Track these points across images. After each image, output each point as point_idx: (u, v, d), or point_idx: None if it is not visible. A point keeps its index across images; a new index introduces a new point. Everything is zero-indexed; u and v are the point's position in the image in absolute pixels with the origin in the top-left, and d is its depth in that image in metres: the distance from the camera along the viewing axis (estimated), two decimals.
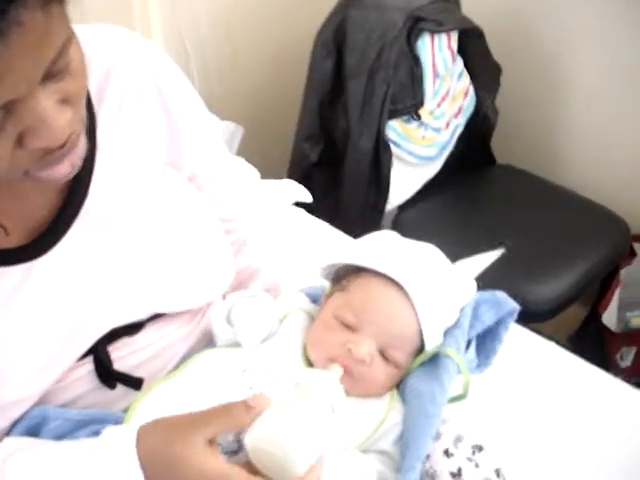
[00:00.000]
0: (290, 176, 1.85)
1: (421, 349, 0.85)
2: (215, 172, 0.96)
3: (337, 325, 0.83)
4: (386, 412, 0.81)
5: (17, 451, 0.73)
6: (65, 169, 0.67)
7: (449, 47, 1.88)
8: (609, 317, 1.99)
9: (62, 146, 0.64)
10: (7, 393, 0.75)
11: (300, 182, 1.75)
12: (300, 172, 1.93)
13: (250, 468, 0.70)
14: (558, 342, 1.29)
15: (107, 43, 0.82)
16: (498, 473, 0.84)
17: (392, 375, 0.83)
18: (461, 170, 2.09)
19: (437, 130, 1.97)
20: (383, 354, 0.82)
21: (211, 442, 0.70)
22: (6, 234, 0.74)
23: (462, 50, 1.96)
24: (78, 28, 0.63)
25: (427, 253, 0.90)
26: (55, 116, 0.61)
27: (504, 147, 2.18)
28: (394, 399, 0.83)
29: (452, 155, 2.08)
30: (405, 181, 1.97)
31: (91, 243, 0.79)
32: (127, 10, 1.73)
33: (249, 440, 0.69)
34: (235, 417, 0.71)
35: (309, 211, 1.68)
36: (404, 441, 0.79)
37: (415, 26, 1.75)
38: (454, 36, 1.90)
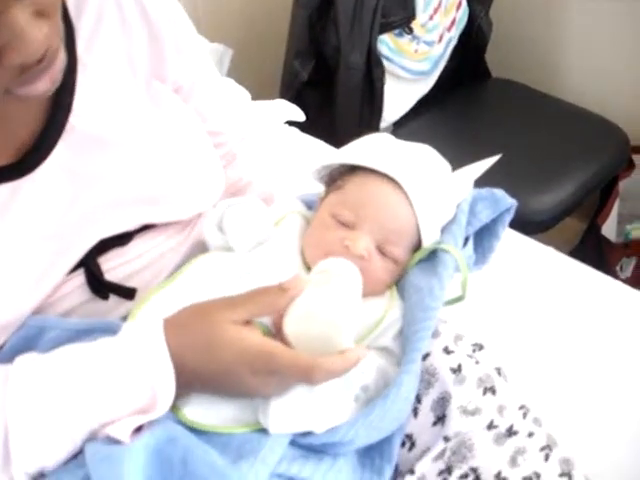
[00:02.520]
0: (282, 96, 1.84)
1: (419, 246, 0.84)
2: (201, 83, 0.94)
3: (334, 223, 0.82)
4: (386, 309, 0.81)
5: (20, 363, 0.72)
6: (45, 84, 0.65)
7: None
8: (608, 229, 1.99)
9: (40, 61, 0.62)
10: (3, 313, 0.74)
11: (292, 102, 1.74)
12: (292, 92, 1.91)
13: None
14: None
15: None
16: (499, 372, 0.85)
17: (391, 271, 0.83)
18: (456, 85, 2.07)
19: (430, 44, 1.94)
20: (381, 250, 0.81)
21: (247, 323, 0.70)
22: None
23: None
24: None
25: (422, 151, 0.89)
26: (31, 30, 0.59)
27: (499, 60, 2.16)
28: (393, 296, 0.83)
29: (446, 70, 2.05)
30: (399, 97, 1.95)
31: (78, 159, 0.78)
32: None
33: (290, 321, 0.69)
34: (270, 299, 0.70)
35: (303, 130, 1.67)
36: (404, 335, 0.79)
37: None
38: None
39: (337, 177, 0.88)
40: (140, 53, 0.83)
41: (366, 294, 0.77)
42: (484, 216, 0.88)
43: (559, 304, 1.16)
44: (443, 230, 0.86)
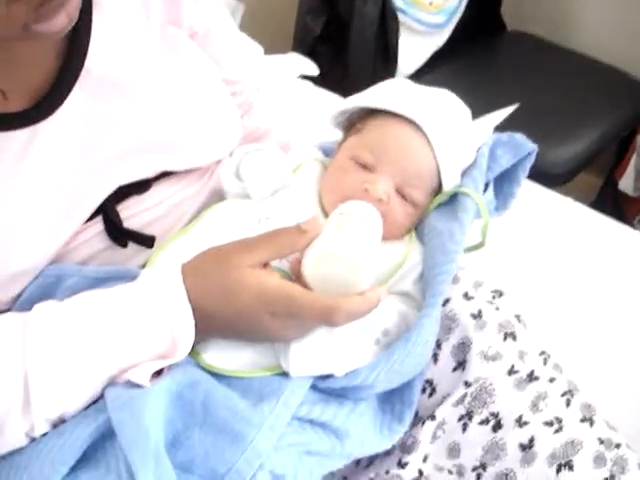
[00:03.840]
0: (295, 51, 1.81)
1: (439, 189, 0.83)
2: (217, 30, 0.92)
3: (353, 166, 0.81)
4: (406, 253, 0.80)
5: (39, 310, 0.71)
6: (62, 21, 0.64)
7: None
8: (626, 183, 1.97)
9: None
10: (18, 261, 0.73)
11: (305, 56, 1.72)
12: (305, 46, 1.89)
13: None
14: None
15: None
16: (519, 318, 0.84)
17: (410, 215, 0.82)
18: (471, 38, 2.03)
19: None
20: (401, 193, 0.80)
21: (265, 266, 0.69)
22: (4, 98, 0.72)
23: None
24: None
25: (443, 95, 0.87)
26: None
27: (515, 12, 2.13)
28: (413, 240, 0.82)
29: (461, 22, 2.02)
30: (413, 50, 1.93)
31: (94, 103, 0.77)
32: None
33: (309, 262, 0.68)
34: (289, 240, 0.69)
35: (316, 84, 1.65)
36: (424, 279, 0.78)
37: None
38: None
39: (356, 121, 0.87)
40: None
41: (385, 238, 0.77)
42: (504, 161, 0.86)
43: (577, 253, 1.16)
44: (463, 174, 0.84)
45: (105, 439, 0.66)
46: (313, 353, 0.70)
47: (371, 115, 0.84)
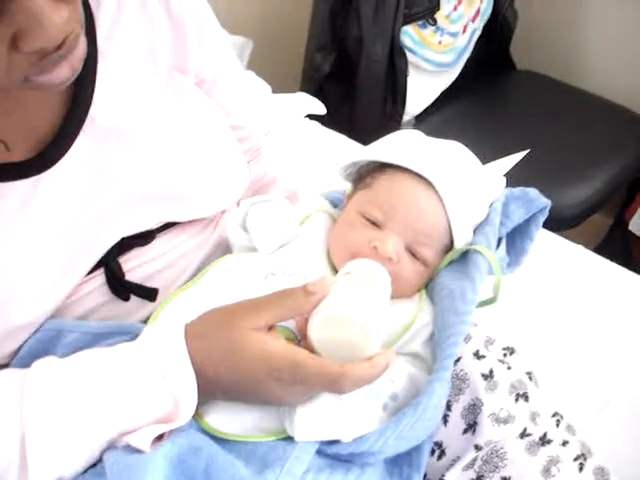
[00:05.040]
0: (303, 89, 1.82)
1: (450, 247, 0.81)
2: (224, 76, 0.92)
3: (362, 222, 0.80)
4: (415, 313, 0.78)
5: (37, 368, 0.70)
6: (65, 72, 0.63)
7: None
8: (636, 224, 1.95)
9: (60, 47, 0.60)
10: (17, 315, 0.72)
11: (314, 95, 1.72)
12: (313, 85, 1.89)
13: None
14: None
15: None
16: (530, 376, 0.82)
17: (420, 274, 0.80)
18: (480, 76, 2.04)
19: (454, 35, 1.91)
20: (410, 252, 0.79)
21: (270, 328, 0.67)
22: (7, 149, 0.71)
23: None
24: None
25: (453, 148, 0.86)
26: (50, 14, 0.56)
27: (524, 52, 2.13)
28: (423, 300, 0.80)
29: (470, 61, 2.02)
30: (422, 89, 1.93)
31: (98, 153, 0.76)
32: None
33: (315, 324, 0.66)
34: (295, 302, 0.67)
35: (324, 124, 1.65)
36: (435, 341, 0.76)
37: None
38: None
39: (365, 175, 0.85)
40: (162, 44, 0.81)
41: (395, 297, 0.75)
42: (517, 216, 0.85)
43: (589, 305, 1.14)
44: (475, 230, 0.83)
45: None
46: (319, 418, 0.68)
47: (381, 169, 0.83)
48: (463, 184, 0.80)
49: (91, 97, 0.75)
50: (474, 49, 2.02)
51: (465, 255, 0.81)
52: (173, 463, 0.65)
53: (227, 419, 0.70)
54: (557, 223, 1.54)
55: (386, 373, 0.68)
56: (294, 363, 0.65)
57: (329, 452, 0.70)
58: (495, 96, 2.02)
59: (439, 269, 0.81)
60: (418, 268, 0.79)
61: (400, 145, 0.84)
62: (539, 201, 0.85)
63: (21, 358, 0.73)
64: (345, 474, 0.70)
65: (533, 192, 0.86)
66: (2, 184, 0.70)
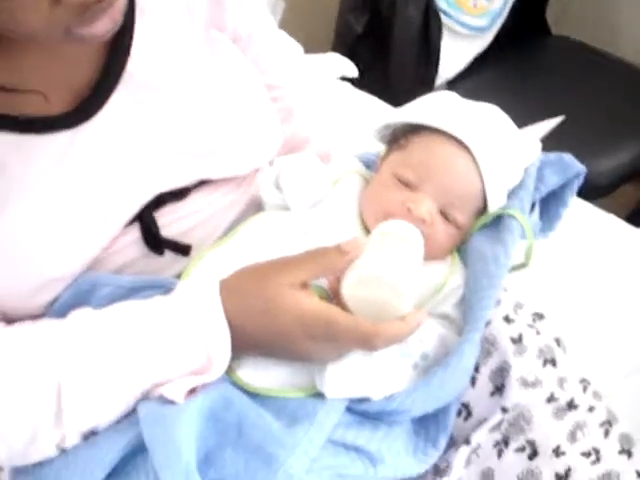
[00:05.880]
0: (335, 50, 1.80)
1: (483, 210, 0.82)
2: (259, 35, 0.92)
3: (395, 184, 0.80)
4: (447, 275, 0.79)
5: (73, 319, 0.71)
6: (105, 25, 0.64)
7: None
8: None
9: (100, 0, 0.60)
10: (54, 267, 0.73)
11: (345, 56, 1.71)
12: (345, 45, 1.88)
13: None
14: None
15: None
16: (558, 342, 0.82)
17: (453, 236, 0.80)
18: (514, 42, 2.02)
19: None
20: (444, 214, 0.79)
21: (304, 286, 0.68)
22: (46, 101, 0.72)
23: None
24: None
25: (489, 112, 0.86)
26: None
27: (560, 17, 2.11)
28: (455, 262, 0.81)
29: (505, 26, 2.00)
30: (455, 53, 1.92)
31: (135, 107, 0.77)
32: None
33: (348, 284, 0.67)
34: (329, 260, 0.68)
35: (355, 85, 1.65)
36: (467, 304, 0.76)
37: None
38: None
39: (400, 136, 0.85)
40: (199, 2, 0.81)
41: (427, 259, 0.75)
42: (552, 182, 0.85)
43: (619, 274, 1.13)
44: (510, 195, 0.83)
45: (136, 454, 0.67)
46: (350, 375, 0.69)
47: (415, 131, 0.83)
48: (498, 147, 0.80)
49: (128, 51, 0.76)
50: (509, 13, 1.99)
51: (499, 219, 0.81)
52: (206, 416, 0.66)
53: (259, 374, 0.72)
54: (589, 191, 1.54)
55: (417, 333, 0.70)
56: (327, 320, 0.66)
57: (358, 409, 0.71)
58: (529, 61, 2.00)
59: (472, 232, 0.82)
60: (451, 230, 0.80)
61: (435, 107, 0.84)
62: (575, 167, 0.85)
63: (57, 309, 0.74)
64: (373, 431, 0.71)
65: (569, 157, 0.86)
66: (41, 136, 0.71)
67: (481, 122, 0.82)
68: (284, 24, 1.81)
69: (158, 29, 0.78)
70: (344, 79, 1.66)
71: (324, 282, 0.73)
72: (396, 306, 0.66)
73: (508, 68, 1.98)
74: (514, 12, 2.00)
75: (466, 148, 0.78)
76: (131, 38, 0.76)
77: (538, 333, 0.81)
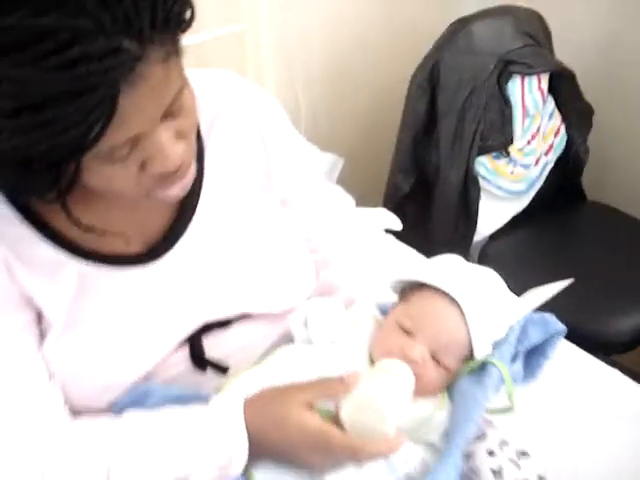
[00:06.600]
0: (384, 206, 1.96)
1: (470, 357, 0.95)
2: (303, 199, 1.10)
3: (397, 330, 0.95)
4: (435, 409, 0.92)
5: (126, 418, 0.88)
6: (178, 190, 0.83)
7: (539, 88, 1.95)
8: None
9: (176, 171, 0.79)
10: (116, 377, 0.90)
11: (393, 211, 1.84)
12: (393, 203, 2.03)
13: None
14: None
15: (216, 87, 0.99)
16: (541, 479, 0.93)
17: (442, 376, 0.94)
18: (551, 205, 2.13)
19: (526, 167, 2.03)
20: (435, 358, 0.93)
21: (309, 406, 0.84)
22: (126, 242, 0.91)
23: (554, 91, 2.03)
24: (193, 72, 0.78)
25: (484, 274, 1.01)
26: (171, 147, 0.75)
27: (596, 184, 2.21)
28: (444, 399, 0.94)
29: (542, 190, 2.12)
30: (494, 213, 2.04)
31: (195, 251, 0.95)
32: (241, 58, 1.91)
33: (345, 407, 0.83)
34: (332, 387, 0.86)
35: (399, 239, 1.79)
36: (447, 433, 0.90)
37: (506, 69, 1.85)
38: (544, 78, 1.97)
39: (409, 290, 1.02)
40: (256, 173, 1.01)
41: (419, 394, 0.90)
42: (534, 337, 0.98)
43: (609, 420, 1.22)
44: (494, 346, 0.96)
45: None
46: None
47: (420, 286, 0.99)
48: (485, 305, 0.95)
49: (195, 208, 0.95)
50: (546, 179, 2.12)
51: (484, 365, 0.95)
52: None
53: (272, 476, 0.86)
54: (609, 347, 1.66)
55: (403, 455, 0.84)
56: (326, 437, 0.82)
57: None
58: (564, 225, 2.11)
59: (461, 375, 0.96)
60: (440, 372, 0.94)
61: (438, 268, 1.01)
62: (555, 325, 0.99)
63: (115, 409, 0.91)
64: None
65: (550, 317, 0.99)
66: (119, 270, 0.90)
67: (473, 282, 0.97)
68: (341, 179, 2.00)
69: (220, 191, 0.97)
70: (389, 232, 1.80)
71: (332, 406, 0.88)
72: (382, 429, 0.81)
73: (543, 229, 2.09)
74: (551, 178, 2.13)
75: (456, 303, 0.93)
76: (198, 198, 0.95)
77: (519, 468, 0.92)
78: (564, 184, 2.18)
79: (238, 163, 0.99)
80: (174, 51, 0.70)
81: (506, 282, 1.40)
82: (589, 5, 2.15)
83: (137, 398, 0.92)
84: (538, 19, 1.97)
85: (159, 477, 0.83)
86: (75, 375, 0.89)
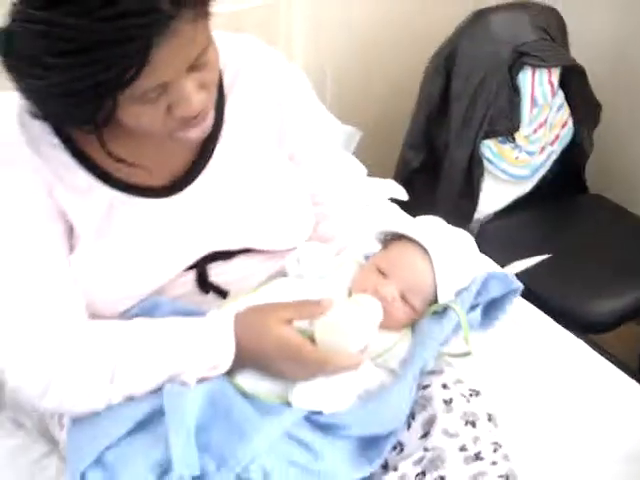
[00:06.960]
0: (394, 179, 2.07)
1: (435, 300, 1.09)
2: (312, 157, 1.21)
3: (374, 271, 1.09)
4: (396, 341, 1.06)
5: (135, 322, 1.01)
6: (197, 132, 0.94)
7: (549, 81, 2.04)
8: None
9: (196, 116, 0.90)
10: (133, 289, 1.03)
11: (401, 184, 1.98)
12: (403, 176, 2.14)
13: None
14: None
15: (242, 49, 1.10)
16: (489, 417, 1.03)
17: (407, 314, 1.08)
18: (553, 193, 2.21)
19: (531, 153, 2.12)
20: (403, 297, 1.07)
21: (288, 322, 0.98)
22: (150, 175, 1.01)
23: (565, 85, 2.12)
24: (225, 34, 0.90)
25: (457, 234, 1.14)
26: (194, 95, 0.85)
27: (598, 178, 2.28)
28: (407, 333, 1.08)
29: (545, 178, 2.21)
30: (495, 195, 2.14)
31: (210, 189, 1.06)
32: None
33: (318, 325, 0.97)
34: (309, 308, 0.99)
35: (403, 208, 1.90)
36: (405, 361, 1.04)
37: (518, 60, 1.95)
38: (555, 72, 2.06)
39: (390, 240, 1.15)
40: (270, 127, 1.12)
41: (386, 327, 1.04)
42: (494, 291, 1.11)
43: (570, 388, 1.33)
44: (457, 294, 1.10)
45: (159, 415, 0.95)
46: (311, 393, 0.98)
47: (399, 238, 1.13)
48: (453, 258, 1.08)
49: (213, 150, 1.06)
50: (550, 168, 2.20)
51: (445, 309, 1.08)
52: (207, 397, 0.95)
53: (251, 382, 1.01)
54: (590, 327, 1.78)
55: (364, 375, 0.99)
56: (297, 348, 0.96)
57: (313, 419, 0.99)
58: (562, 214, 2.18)
59: (425, 316, 1.09)
60: (407, 310, 1.07)
61: (418, 224, 1.15)
62: (513, 282, 1.12)
63: (128, 317, 1.04)
64: (322, 437, 0.98)
65: (511, 275, 1.13)
66: (144, 199, 1.03)
67: (446, 238, 1.10)
68: (358, 150, 2.10)
69: (236, 137, 1.07)
70: (395, 201, 1.94)
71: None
72: (345, 347, 0.96)
73: (541, 214, 2.17)
74: (555, 168, 2.21)
75: (427, 253, 1.07)
76: (216, 141, 1.06)
77: (468, 402, 1.03)
78: (567, 174, 2.26)
79: (254, 118, 1.10)
80: (203, 13, 0.83)
81: (499, 257, 1.53)
82: (606, 4, 2.21)
83: (147, 309, 1.05)
84: (555, 16, 2.06)
85: (156, 373, 0.97)
86: (96, 284, 1.01)
